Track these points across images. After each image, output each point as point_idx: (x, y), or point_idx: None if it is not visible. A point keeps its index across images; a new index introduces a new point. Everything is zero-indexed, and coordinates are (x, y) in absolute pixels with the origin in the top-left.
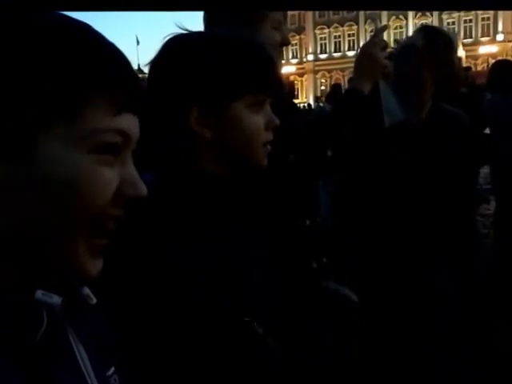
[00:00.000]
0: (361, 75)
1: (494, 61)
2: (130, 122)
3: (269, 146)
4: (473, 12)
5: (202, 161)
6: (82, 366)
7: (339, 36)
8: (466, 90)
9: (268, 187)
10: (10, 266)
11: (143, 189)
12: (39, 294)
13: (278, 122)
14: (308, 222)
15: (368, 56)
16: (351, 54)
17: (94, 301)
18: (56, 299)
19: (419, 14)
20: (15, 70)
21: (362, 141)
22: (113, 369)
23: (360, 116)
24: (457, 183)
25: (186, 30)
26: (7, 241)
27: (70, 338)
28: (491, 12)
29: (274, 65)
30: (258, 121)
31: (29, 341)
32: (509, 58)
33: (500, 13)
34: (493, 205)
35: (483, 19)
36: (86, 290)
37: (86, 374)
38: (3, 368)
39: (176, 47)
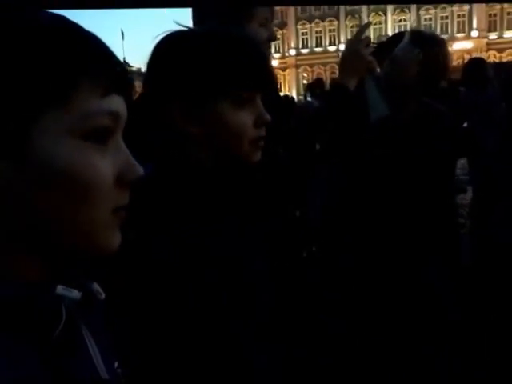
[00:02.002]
0: (346, 71)
1: (468, 57)
2: (118, 103)
3: (261, 142)
4: (449, 9)
5: (191, 154)
6: (94, 359)
7: (320, 31)
8: (446, 84)
9: (259, 181)
10: (29, 259)
11: (140, 170)
12: (60, 288)
13: (268, 118)
14: (298, 213)
15: (353, 52)
16: (332, 48)
17: (103, 296)
18: (76, 294)
19: (398, 9)
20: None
21: (348, 136)
22: (116, 363)
23: (346, 111)
24: (439, 179)
25: (185, 26)
26: (23, 235)
27: (83, 332)
28: (466, 9)
29: (262, 60)
30: (245, 118)
31: (48, 335)
32: (483, 53)
33: (475, 10)
34: (469, 195)
35: (459, 16)
36: (96, 286)
37: (98, 367)
38: (28, 362)
39: (168, 44)
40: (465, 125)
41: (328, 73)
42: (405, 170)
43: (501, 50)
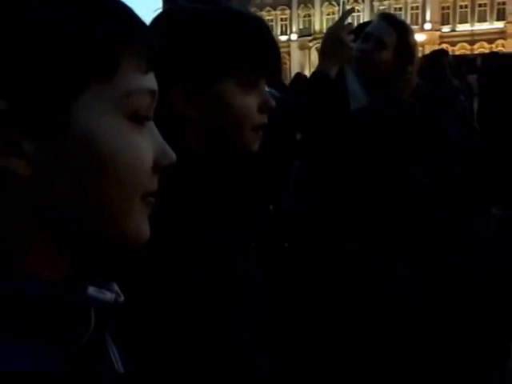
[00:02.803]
0: (327, 58)
1: (421, 49)
2: (154, 81)
3: (261, 131)
4: (402, 0)
5: (187, 141)
6: (114, 361)
7: (272, 20)
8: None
9: (251, 170)
10: (58, 253)
11: (173, 155)
12: (92, 290)
13: (273, 104)
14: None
15: (335, 39)
16: (283, 38)
17: (123, 298)
18: (109, 296)
19: (351, 0)
20: (44, 32)
21: (330, 124)
22: (122, 370)
23: (328, 99)
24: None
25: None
26: (54, 225)
27: (106, 336)
28: (420, 1)
29: (274, 42)
30: (250, 102)
31: (77, 339)
32: (436, 46)
33: (428, 2)
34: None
35: (412, 8)
36: (116, 287)
37: (117, 369)
38: (53, 364)
39: (164, 22)
40: None
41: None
42: (377, 167)
43: (453, 44)
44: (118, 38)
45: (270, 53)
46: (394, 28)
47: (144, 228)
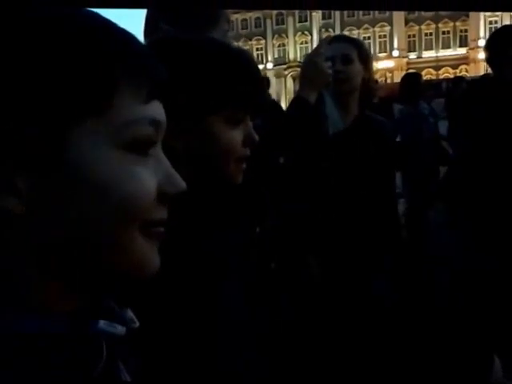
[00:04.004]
0: (306, 84)
1: (390, 75)
2: (159, 110)
3: (244, 163)
4: (371, 29)
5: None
6: None
7: (248, 50)
8: (377, 100)
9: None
10: (65, 286)
11: (183, 183)
12: (102, 323)
13: (256, 138)
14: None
15: (313, 66)
16: (260, 67)
17: (137, 324)
18: (120, 329)
19: (323, 29)
20: (36, 65)
21: (311, 149)
22: None
23: (308, 124)
24: (382, 190)
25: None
26: (59, 257)
27: (119, 364)
28: (387, 30)
29: (259, 80)
30: (236, 136)
31: (88, 375)
32: (403, 72)
33: (395, 31)
34: (402, 208)
35: (380, 36)
36: (130, 314)
37: None
38: None
39: (158, 52)
40: (397, 139)
41: None
42: (349, 181)
43: (420, 69)
44: (113, 69)
45: (258, 90)
46: (349, 43)
47: (149, 259)
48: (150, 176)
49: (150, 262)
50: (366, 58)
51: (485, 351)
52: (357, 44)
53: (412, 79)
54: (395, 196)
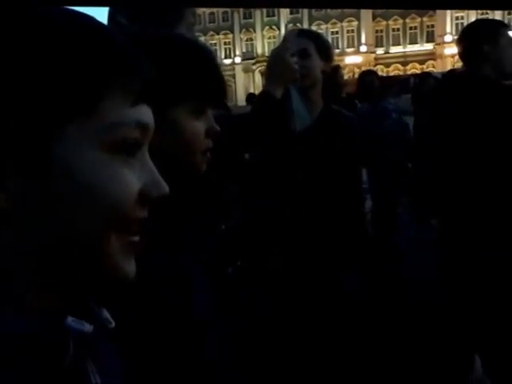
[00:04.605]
0: (273, 79)
1: (358, 71)
2: (147, 113)
3: (208, 154)
4: (339, 24)
5: None
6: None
7: (215, 44)
8: (345, 96)
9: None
10: (45, 284)
11: (166, 187)
12: (70, 320)
13: (218, 129)
14: (223, 227)
15: (279, 60)
16: (228, 61)
17: (113, 324)
18: (87, 327)
19: (290, 24)
20: (24, 66)
21: (278, 144)
22: None
23: (274, 120)
24: (347, 183)
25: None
26: (42, 255)
27: (87, 365)
28: (355, 25)
29: (219, 70)
30: (199, 128)
31: (54, 371)
32: (371, 67)
33: (363, 26)
34: (369, 203)
35: (348, 31)
36: (105, 313)
37: None
38: None
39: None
40: None
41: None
42: (316, 176)
43: (387, 65)
44: (100, 72)
45: (218, 82)
46: (306, 37)
47: (123, 266)
48: (134, 178)
49: (123, 269)
50: (325, 50)
51: (466, 350)
52: (314, 37)
53: (366, 77)
54: (362, 191)
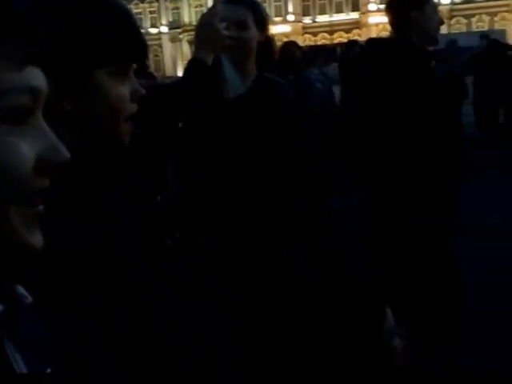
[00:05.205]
0: (202, 46)
1: (286, 40)
2: (36, 77)
3: (129, 123)
4: None
5: (57, 134)
6: (12, 361)
7: (140, 13)
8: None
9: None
10: None
11: (66, 153)
12: None
13: (143, 91)
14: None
15: (208, 26)
16: (154, 31)
17: (30, 300)
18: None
19: None
20: None
21: (210, 112)
22: (49, 370)
23: (205, 86)
24: (282, 151)
25: None
26: None
27: (4, 343)
28: None
29: (138, 30)
30: (124, 91)
31: None
32: (299, 37)
33: None
34: None
35: (275, 0)
36: (21, 289)
37: (17, 369)
38: None
39: (40, 8)
40: None
41: (151, 55)
42: (250, 144)
43: (315, 34)
44: None
45: (136, 40)
46: (245, 6)
47: (28, 238)
48: (27, 146)
49: (30, 240)
50: (263, 21)
51: (378, 304)
52: (252, 6)
53: (288, 48)
54: (301, 160)
